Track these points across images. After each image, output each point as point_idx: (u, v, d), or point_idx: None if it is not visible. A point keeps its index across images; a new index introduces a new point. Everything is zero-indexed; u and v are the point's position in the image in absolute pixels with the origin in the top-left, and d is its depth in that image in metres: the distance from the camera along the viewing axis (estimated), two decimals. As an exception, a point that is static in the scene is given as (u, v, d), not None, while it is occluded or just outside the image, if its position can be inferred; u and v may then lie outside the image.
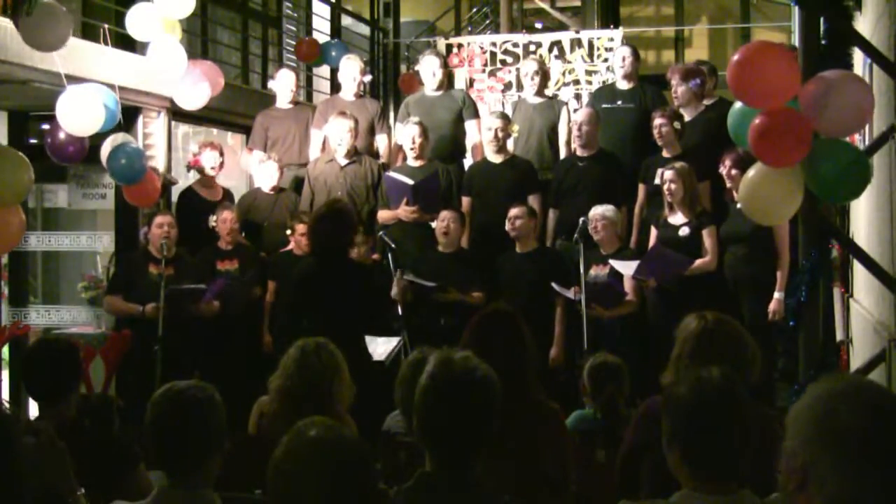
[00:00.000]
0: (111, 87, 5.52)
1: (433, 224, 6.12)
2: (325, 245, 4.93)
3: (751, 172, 4.08)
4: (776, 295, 5.47)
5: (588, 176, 6.27)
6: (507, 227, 5.86)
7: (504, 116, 6.56)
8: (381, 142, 6.99)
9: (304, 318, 4.99)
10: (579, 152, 6.39)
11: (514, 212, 5.87)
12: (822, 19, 4.20)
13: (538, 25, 13.07)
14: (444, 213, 5.97)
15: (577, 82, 8.64)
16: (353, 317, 4.81)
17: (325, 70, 9.25)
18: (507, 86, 8.82)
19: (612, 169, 6.34)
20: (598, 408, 4.19)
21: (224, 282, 5.80)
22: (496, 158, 6.39)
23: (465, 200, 6.38)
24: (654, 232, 5.91)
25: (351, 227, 5.02)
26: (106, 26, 5.69)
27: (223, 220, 6.10)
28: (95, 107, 5.21)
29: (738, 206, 5.26)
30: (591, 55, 8.62)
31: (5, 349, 6.30)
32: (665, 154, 6.12)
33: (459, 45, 9.06)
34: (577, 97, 8.46)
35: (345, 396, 3.51)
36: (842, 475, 1.46)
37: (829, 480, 1.47)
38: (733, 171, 5.56)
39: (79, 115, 5.17)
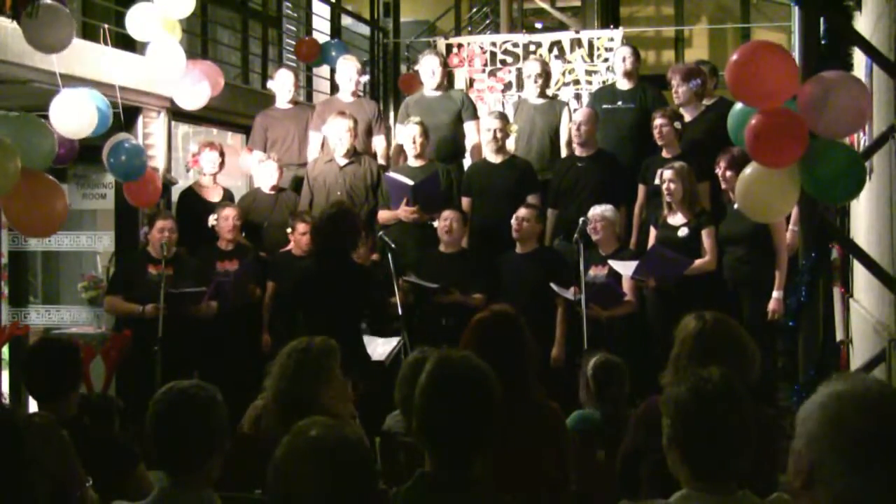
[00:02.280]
0: (111, 87, 5.53)
1: (434, 224, 6.12)
2: (327, 246, 4.93)
3: (747, 170, 4.09)
4: (775, 294, 5.46)
5: (586, 176, 6.27)
6: (514, 226, 5.84)
7: (502, 117, 6.55)
8: (378, 143, 6.98)
9: (302, 317, 4.99)
10: (578, 152, 6.39)
11: (522, 213, 5.84)
12: (822, 19, 4.20)
13: (538, 25, 13.07)
14: (447, 214, 5.96)
15: (577, 82, 8.64)
16: (351, 318, 4.80)
17: (325, 70, 9.25)
18: (507, 86, 8.82)
19: (611, 169, 6.34)
20: (604, 408, 4.19)
21: (218, 281, 5.79)
22: (495, 159, 6.39)
23: (465, 201, 6.38)
24: (652, 232, 5.91)
25: (355, 230, 5.02)
26: (106, 26, 5.69)
27: (225, 217, 6.08)
28: (89, 109, 5.20)
29: (736, 206, 5.27)
30: (591, 55, 8.62)
31: (5, 349, 6.30)
32: (665, 154, 6.12)
33: (459, 45, 9.06)
34: (577, 97, 8.46)
35: (341, 397, 3.46)
36: (848, 475, 1.47)
37: (835, 480, 1.48)
38: (728, 173, 5.57)
39: (72, 117, 5.15)
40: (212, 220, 6.14)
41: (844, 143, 4.31)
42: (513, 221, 5.84)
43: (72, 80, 5.28)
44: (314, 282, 4.94)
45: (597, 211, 5.78)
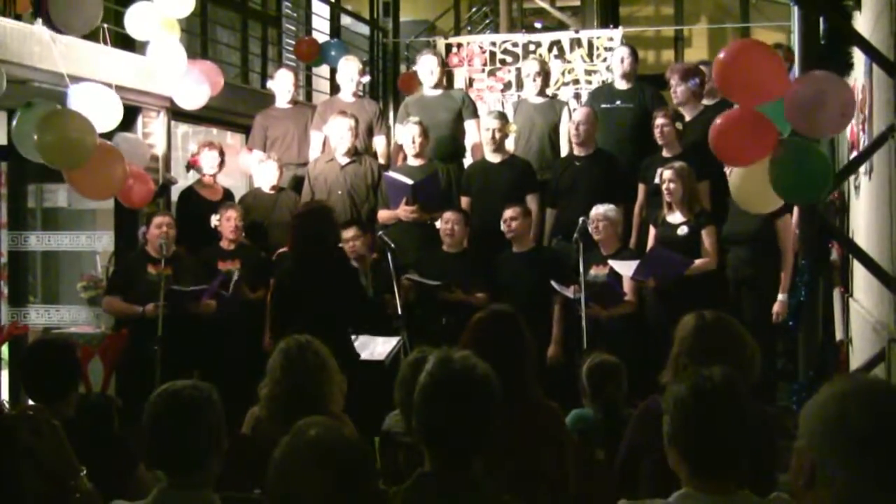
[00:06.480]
0: (110, 87, 5.52)
1: (434, 224, 6.12)
2: (304, 245, 4.90)
3: None
4: (780, 297, 5.44)
5: (585, 175, 6.26)
6: (504, 228, 5.85)
7: (501, 117, 6.56)
8: (379, 143, 6.99)
9: (294, 317, 4.96)
10: (576, 151, 6.39)
11: (508, 213, 5.85)
12: (821, 19, 4.20)
13: (538, 25, 13.07)
14: (448, 215, 5.97)
15: (576, 82, 8.64)
16: (336, 315, 4.75)
17: (324, 70, 9.24)
18: (507, 85, 8.81)
19: (609, 168, 6.33)
20: (598, 408, 4.18)
21: (221, 280, 5.77)
22: (494, 158, 6.39)
23: (465, 200, 6.39)
24: (652, 231, 5.90)
25: (331, 226, 4.95)
26: (106, 26, 5.69)
27: (227, 218, 6.09)
28: (112, 102, 5.21)
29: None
30: (590, 55, 8.61)
31: (5, 349, 6.29)
32: (665, 154, 6.12)
33: (459, 45, 9.06)
34: (577, 97, 8.44)
35: (336, 395, 3.45)
36: (850, 474, 1.48)
37: (837, 479, 1.49)
38: (735, 171, 5.56)
39: (96, 110, 5.14)
40: (214, 220, 6.15)
41: (816, 145, 4.31)
42: (502, 224, 5.84)
43: (72, 80, 5.27)
44: (293, 281, 4.89)
45: (599, 211, 5.77)
